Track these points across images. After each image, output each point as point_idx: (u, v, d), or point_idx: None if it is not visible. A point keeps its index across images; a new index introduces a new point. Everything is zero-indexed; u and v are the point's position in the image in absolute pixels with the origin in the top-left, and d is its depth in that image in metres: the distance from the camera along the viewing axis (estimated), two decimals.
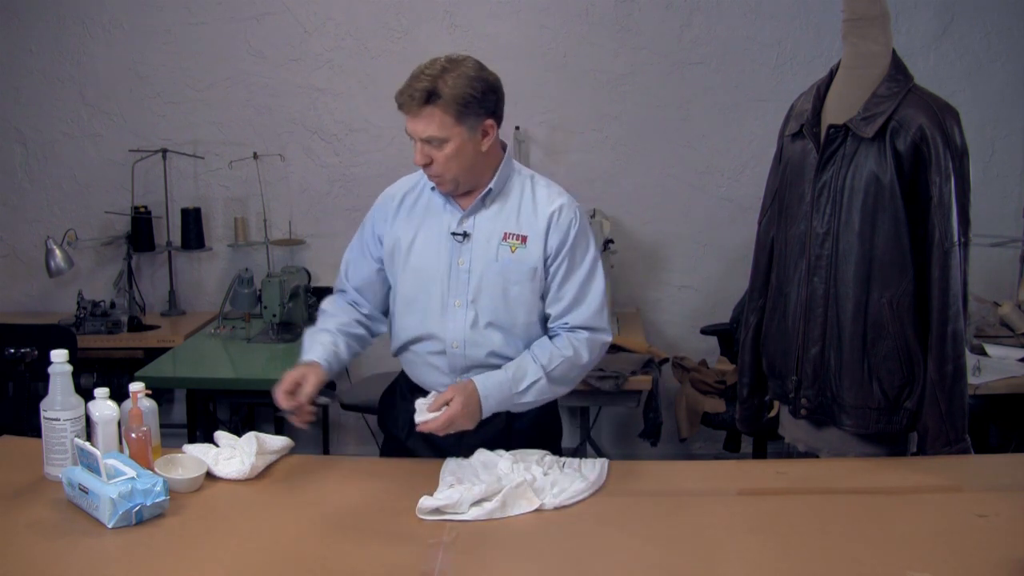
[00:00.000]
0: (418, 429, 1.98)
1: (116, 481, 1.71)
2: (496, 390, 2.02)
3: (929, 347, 2.08)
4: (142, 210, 4.20)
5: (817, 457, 2.27)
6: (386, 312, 2.26)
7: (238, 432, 2.09)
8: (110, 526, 1.68)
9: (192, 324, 4.07)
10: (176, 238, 4.28)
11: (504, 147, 2.12)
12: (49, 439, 1.90)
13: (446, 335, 2.08)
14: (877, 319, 2.11)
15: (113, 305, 4.05)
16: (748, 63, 4.15)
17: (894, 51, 2.13)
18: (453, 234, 2.08)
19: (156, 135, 4.25)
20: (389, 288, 2.22)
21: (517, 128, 4.15)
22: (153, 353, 3.67)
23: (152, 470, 1.85)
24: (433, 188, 2.10)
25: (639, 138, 4.22)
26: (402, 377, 2.25)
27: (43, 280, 4.23)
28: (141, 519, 1.71)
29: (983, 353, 3.38)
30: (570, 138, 4.23)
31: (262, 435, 2.02)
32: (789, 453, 2.44)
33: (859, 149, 2.09)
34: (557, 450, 2.18)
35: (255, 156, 4.18)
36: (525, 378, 2.04)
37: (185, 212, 4.21)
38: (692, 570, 1.58)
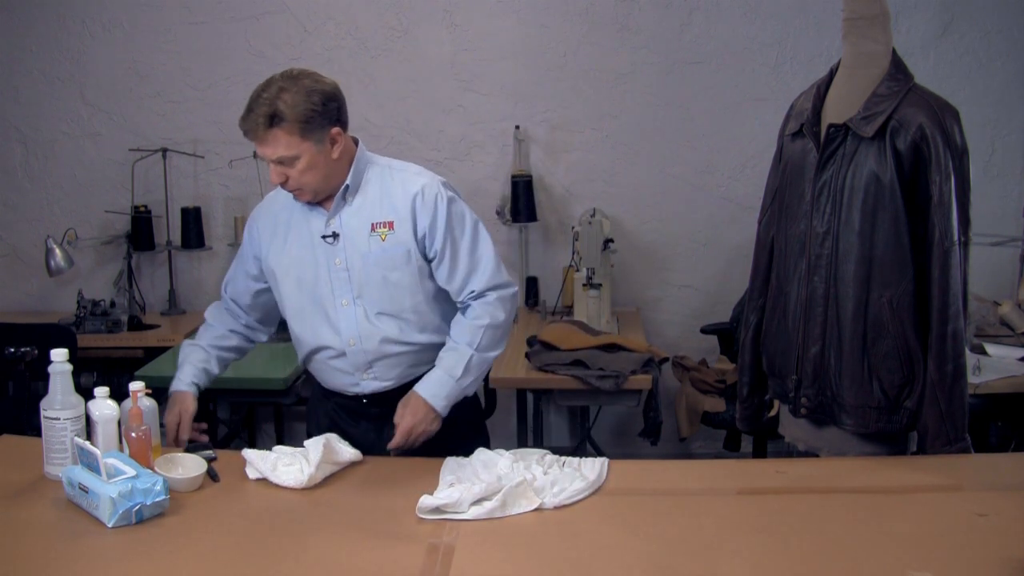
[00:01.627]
0: (390, 449, 2.07)
1: (116, 480, 1.71)
2: (438, 386, 2.09)
3: (929, 346, 2.08)
4: (142, 209, 4.20)
5: (817, 456, 2.27)
6: (270, 322, 2.37)
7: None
8: (110, 525, 1.68)
9: (192, 323, 4.05)
10: (176, 237, 4.27)
11: (356, 142, 2.16)
12: (49, 438, 1.90)
13: (340, 335, 2.14)
14: (877, 318, 2.11)
15: (113, 304, 4.05)
16: (748, 62, 4.15)
17: (894, 50, 2.13)
18: (323, 237, 2.12)
19: (156, 134, 4.25)
20: (270, 303, 2.30)
21: (517, 127, 4.16)
22: (153, 352, 3.67)
23: (152, 469, 1.85)
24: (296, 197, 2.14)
25: (639, 137, 4.22)
26: (317, 384, 2.33)
27: (43, 279, 4.23)
28: (141, 518, 1.71)
29: (983, 352, 3.38)
30: (570, 137, 4.23)
31: (335, 441, 2.00)
32: (789, 452, 2.44)
33: (859, 148, 2.09)
34: (482, 431, 2.32)
35: (255, 155, 4.15)
36: (458, 364, 2.11)
37: (185, 211, 4.21)
38: (692, 569, 1.58)
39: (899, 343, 2.10)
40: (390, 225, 2.11)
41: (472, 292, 2.16)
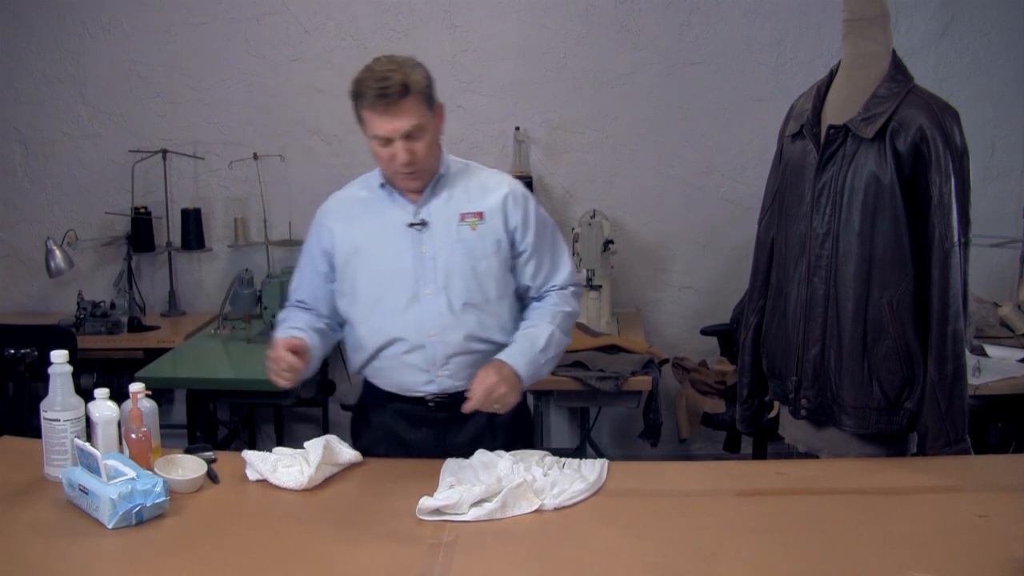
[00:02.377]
0: (464, 409, 2.01)
1: (116, 482, 1.71)
2: (519, 354, 2.07)
3: (929, 347, 2.08)
4: (142, 210, 4.20)
5: (817, 457, 2.27)
6: (340, 325, 2.26)
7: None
8: (110, 527, 1.68)
9: (192, 325, 4.07)
10: (176, 238, 4.28)
11: None
12: (49, 439, 1.90)
13: (422, 327, 2.10)
14: (877, 319, 2.11)
15: (113, 305, 4.05)
16: (748, 63, 4.15)
17: (894, 51, 2.13)
18: (410, 225, 2.10)
19: (156, 135, 4.25)
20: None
21: (517, 128, 4.16)
22: (153, 354, 3.66)
23: (152, 471, 1.85)
24: (382, 185, 2.13)
25: (639, 138, 4.22)
26: (370, 391, 2.24)
27: (43, 280, 4.23)
28: (141, 520, 1.71)
29: (983, 353, 3.38)
30: (570, 138, 4.23)
31: (335, 442, 1.99)
32: (789, 453, 2.44)
33: (859, 149, 2.09)
34: (531, 444, 2.23)
35: (255, 156, 4.18)
36: (540, 336, 2.11)
37: (185, 212, 4.21)
38: (692, 570, 1.58)
39: (899, 344, 2.10)
40: (480, 215, 2.12)
41: (554, 285, 2.21)
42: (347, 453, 2.00)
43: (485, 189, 2.15)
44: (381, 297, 2.12)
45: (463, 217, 2.11)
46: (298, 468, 1.92)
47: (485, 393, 1.99)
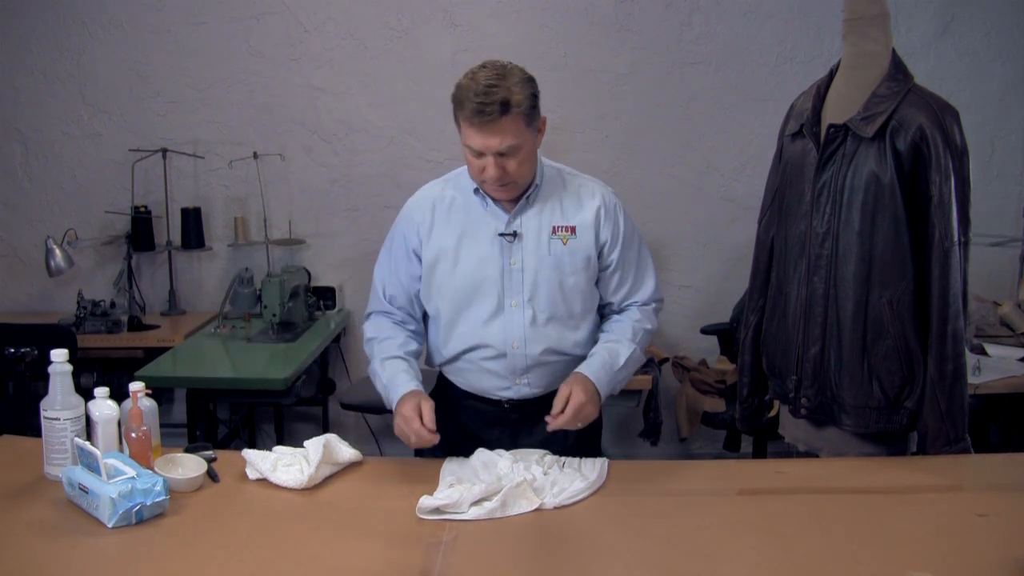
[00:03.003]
0: (551, 428, 1.99)
1: (116, 481, 1.71)
2: (601, 370, 2.06)
3: (929, 346, 2.08)
4: (142, 210, 4.20)
5: (817, 457, 2.27)
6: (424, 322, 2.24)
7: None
8: (110, 526, 1.68)
9: (192, 324, 4.07)
10: (176, 238, 4.27)
11: None
12: (49, 439, 1.90)
13: (505, 337, 2.08)
14: (877, 319, 2.11)
15: (113, 305, 4.05)
16: (748, 63, 4.15)
17: (894, 51, 2.13)
18: (502, 235, 2.07)
19: (156, 135, 4.25)
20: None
21: None
22: (153, 353, 3.66)
23: (152, 470, 1.85)
24: (476, 190, 2.09)
25: (639, 138, 4.22)
26: (448, 387, 2.22)
27: (43, 280, 4.23)
28: (141, 519, 1.71)
29: (983, 353, 3.38)
30: (570, 138, 4.23)
31: (335, 441, 1.98)
32: (789, 453, 2.44)
33: (859, 149, 2.09)
34: (598, 448, 2.25)
35: (255, 156, 4.18)
36: (620, 355, 2.10)
37: (185, 212, 4.21)
38: (692, 569, 1.58)
39: (899, 343, 2.10)
40: (572, 230, 2.09)
41: (636, 302, 2.19)
42: (347, 452, 2.00)
43: (579, 201, 2.12)
44: (468, 304, 2.10)
45: (555, 230, 2.09)
46: (298, 467, 1.92)
47: (575, 412, 1.97)
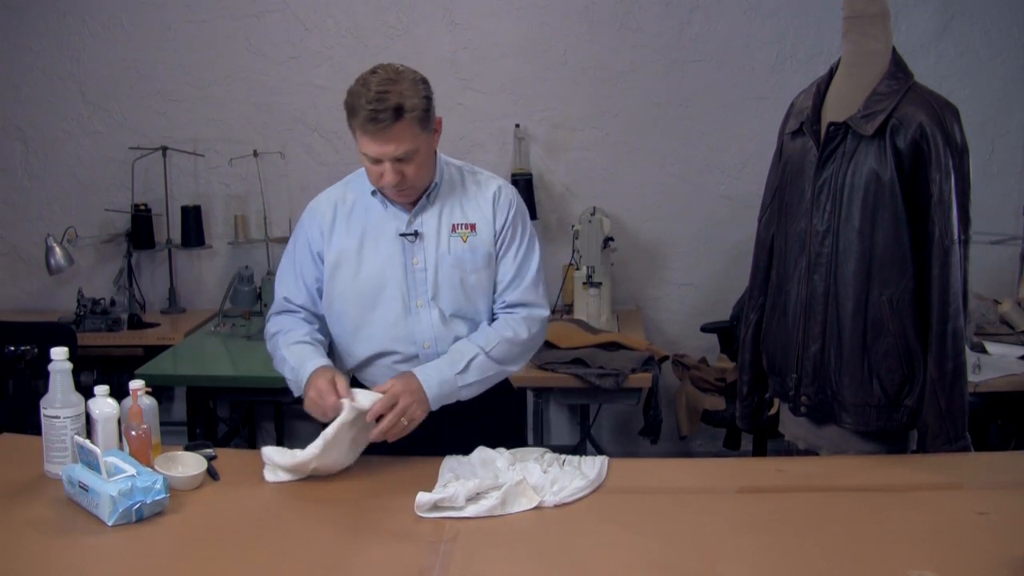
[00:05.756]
0: (368, 418, 1.91)
1: (116, 479, 1.71)
2: (435, 372, 2.00)
3: (929, 345, 2.08)
4: (142, 208, 4.20)
5: (817, 455, 2.27)
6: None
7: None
8: (110, 524, 1.68)
9: (192, 322, 4.07)
10: (176, 236, 4.27)
11: None
12: (49, 437, 1.90)
13: (415, 338, 2.07)
14: (877, 317, 2.11)
15: (113, 303, 4.05)
16: (748, 61, 4.14)
17: (894, 49, 2.13)
18: (403, 235, 2.07)
19: (156, 133, 4.25)
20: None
21: (517, 126, 4.15)
22: (153, 351, 3.66)
23: (152, 468, 1.85)
24: (374, 192, 2.07)
25: (639, 136, 4.22)
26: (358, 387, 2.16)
27: (43, 278, 4.23)
28: (141, 517, 1.71)
29: (983, 351, 3.38)
30: (570, 136, 4.23)
31: (357, 395, 1.92)
32: (789, 451, 2.44)
33: (859, 147, 2.09)
34: (523, 439, 2.16)
35: (255, 154, 4.18)
36: (463, 358, 2.02)
37: (185, 210, 4.21)
38: (692, 568, 1.58)
39: (899, 341, 2.10)
40: (472, 227, 2.08)
41: (504, 303, 2.12)
42: (368, 397, 1.94)
43: (478, 198, 2.11)
44: (372, 307, 2.08)
45: (454, 228, 2.08)
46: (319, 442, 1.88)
47: (398, 416, 1.91)
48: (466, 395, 2.05)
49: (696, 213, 4.26)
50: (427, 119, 1.96)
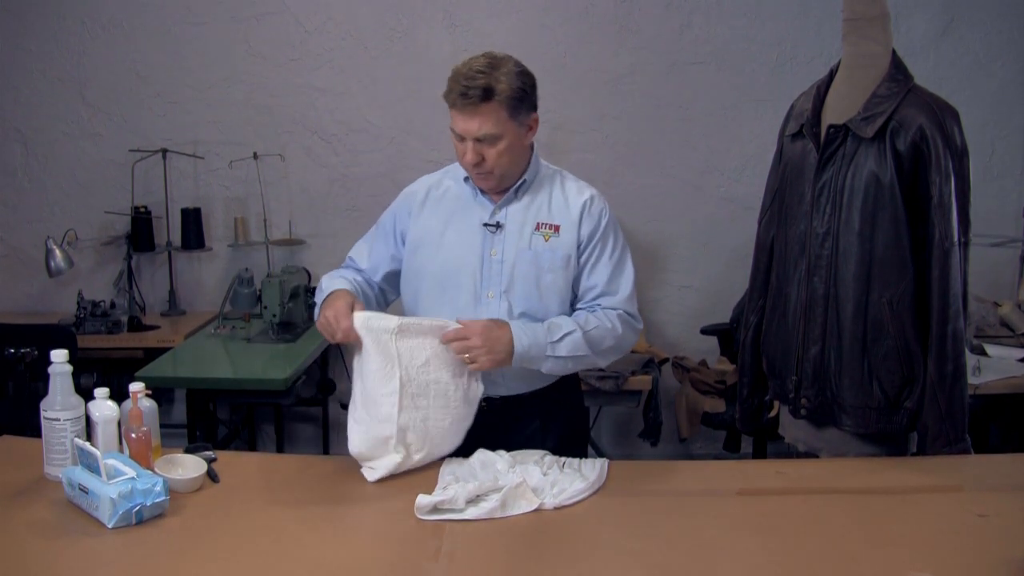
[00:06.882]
0: (442, 340, 1.95)
1: (116, 481, 1.71)
2: (530, 331, 2.00)
3: (929, 347, 2.08)
4: (142, 210, 4.20)
5: (817, 457, 2.27)
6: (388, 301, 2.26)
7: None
8: (110, 526, 1.68)
9: (192, 324, 4.07)
10: (176, 238, 4.27)
11: (531, 145, 2.15)
12: (49, 439, 1.90)
13: None
14: (877, 319, 2.11)
15: (113, 305, 4.05)
16: (748, 63, 4.15)
17: (894, 51, 2.13)
18: (486, 225, 2.10)
19: (156, 135, 4.25)
20: (397, 283, 2.21)
21: None
22: (153, 353, 3.66)
23: (152, 470, 1.85)
24: (466, 179, 2.12)
25: (639, 138, 4.22)
26: None
27: (43, 280, 4.23)
28: (141, 519, 1.71)
29: (983, 353, 3.38)
30: (570, 138, 4.23)
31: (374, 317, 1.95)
32: (789, 453, 2.44)
33: (859, 149, 2.09)
34: (583, 449, 2.21)
35: (255, 156, 4.18)
36: (560, 330, 2.04)
37: (185, 212, 4.21)
38: (692, 570, 1.58)
39: (899, 344, 2.10)
40: (556, 228, 2.10)
41: (602, 304, 2.13)
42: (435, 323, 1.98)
43: (567, 202, 2.13)
44: (443, 290, 2.11)
45: (538, 226, 2.10)
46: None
47: (467, 334, 1.94)
48: (548, 368, 2.05)
49: (696, 215, 4.26)
50: (518, 108, 2.00)
